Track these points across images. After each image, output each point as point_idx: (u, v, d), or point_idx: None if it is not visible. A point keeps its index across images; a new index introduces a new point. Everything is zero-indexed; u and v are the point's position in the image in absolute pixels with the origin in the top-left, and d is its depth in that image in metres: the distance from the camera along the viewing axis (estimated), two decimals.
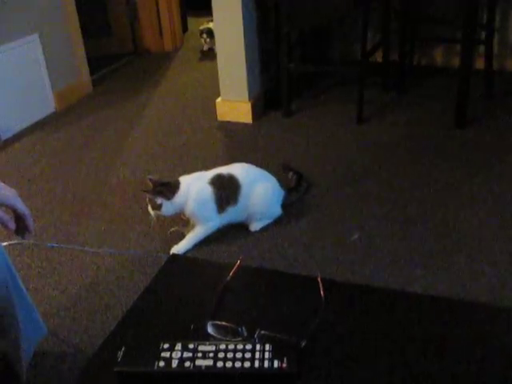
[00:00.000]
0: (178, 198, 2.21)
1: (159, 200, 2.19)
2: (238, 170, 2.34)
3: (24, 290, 1.53)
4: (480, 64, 3.50)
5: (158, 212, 2.22)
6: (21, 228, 1.22)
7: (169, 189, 2.20)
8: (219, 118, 3.53)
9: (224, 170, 2.33)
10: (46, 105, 3.79)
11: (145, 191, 2.22)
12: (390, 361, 0.92)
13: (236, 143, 3.25)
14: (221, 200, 2.27)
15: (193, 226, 2.38)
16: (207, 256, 2.27)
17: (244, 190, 2.30)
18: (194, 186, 2.25)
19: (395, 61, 3.68)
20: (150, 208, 2.23)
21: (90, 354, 1.01)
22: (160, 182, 2.22)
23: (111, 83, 4.40)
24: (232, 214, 2.32)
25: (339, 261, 2.19)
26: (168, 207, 2.21)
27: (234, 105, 3.46)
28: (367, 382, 0.88)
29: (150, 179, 2.22)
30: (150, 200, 2.21)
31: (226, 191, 2.28)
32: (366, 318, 1.01)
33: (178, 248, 2.31)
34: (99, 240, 2.43)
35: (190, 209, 2.25)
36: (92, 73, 4.27)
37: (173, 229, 2.42)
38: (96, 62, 4.44)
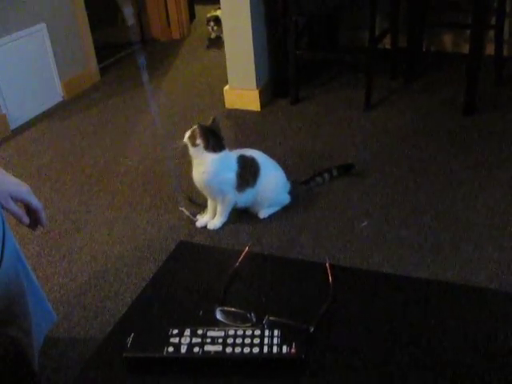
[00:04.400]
0: (210, 156, 2.21)
1: (199, 141, 2.19)
2: (257, 154, 2.35)
3: (34, 277, 1.54)
4: (490, 50, 3.47)
5: (188, 145, 2.22)
6: (33, 221, 1.26)
7: (215, 143, 2.22)
8: (227, 105, 3.52)
9: (245, 152, 2.34)
10: (54, 94, 3.80)
11: (200, 125, 2.21)
12: (398, 346, 0.92)
13: (244, 131, 3.24)
14: (242, 179, 2.29)
15: (203, 215, 2.39)
16: (216, 243, 2.27)
17: (262, 176, 2.31)
18: (225, 157, 2.26)
19: (404, 47, 3.65)
20: (186, 137, 2.23)
21: (100, 340, 1.02)
22: (216, 129, 2.24)
23: (119, 72, 4.39)
24: (248, 196, 2.34)
25: (348, 248, 2.19)
26: (198, 152, 2.22)
27: (242, 93, 3.46)
28: (376, 368, 0.89)
29: (214, 118, 2.26)
30: (195, 133, 2.21)
31: (248, 172, 2.30)
32: (374, 304, 1.01)
33: (214, 224, 2.36)
34: (108, 228, 2.44)
35: (211, 176, 2.25)
36: (100, 62, 4.27)
37: (182, 208, 2.42)
38: (103, 51, 4.44)
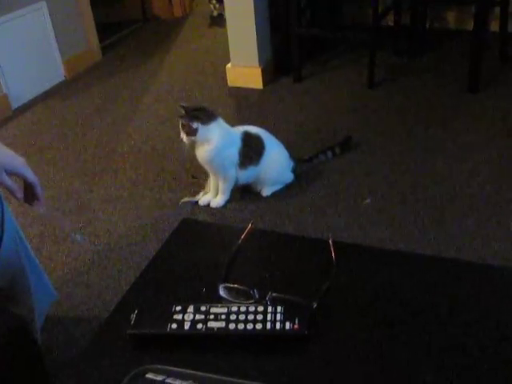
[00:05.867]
0: (213, 126, 2.19)
1: (195, 124, 2.16)
2: (262, 132, 2.34)
3: (34, 257, 1.54)
4: (495, 26, 3.44)
5: (192, 138, 2.18)
6: (30, 197, 1.23)
7: (206, 113, 2.19)
8: (230, 83, 3.50)
9: (250, 129, 2.32)
10: (56, 73, 3.78)
11: (181, 117, 2.18)
12: (400, 322, 0.92)
13: (246, 109, 3.23)
14: (244, 156, 2.28)
15: (205, 193, 2.39)
16: (218, 221, 2.28)
17: (266, 154, 2.31)
18: (227, 130, 2.25)
19: (407, 24, 3.62)
20: (183, 135, 2.19)
21: (104, 318, 1.02)
22: (194, 107, 2.19)
23: (120, 50, 4.37)
24: (250, 174, 2.33)
25: (351, 225, 2.19)
26: (204, 132, 2.18)
27: (245, 70, 3.43)
28: (378, 343, 0.89)
29: (183, 106, 2.19)
30: (185, 126, 2.17)
31: (252, 150, 2.29)
32: (377, 280, 1.01)
33: (217, 202, 2.36)
34: (111, 207, 2.44)
35: (215, 152, 2.22)
36: (101, 40, 4.24)
37: (184, 199, 2.41)
38: (105, 29, 4.41)
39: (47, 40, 3.67)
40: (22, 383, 1.28)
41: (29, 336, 1.37)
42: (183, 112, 2.18)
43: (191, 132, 2.17)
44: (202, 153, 2.26)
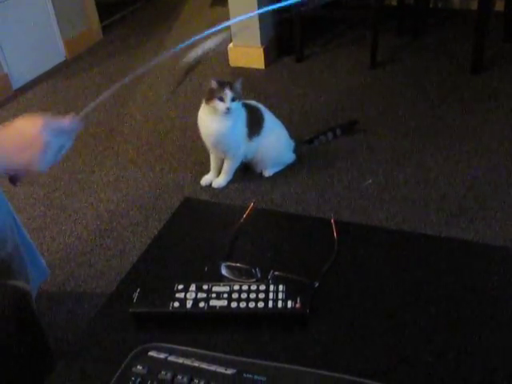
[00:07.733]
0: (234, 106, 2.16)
1: (227, 91, 2.15)
2: (260, 106, 2.33)
3: (26, 234, 1.55)
4: (499, 6, 3.41)
5: (237, 102, 2.16)
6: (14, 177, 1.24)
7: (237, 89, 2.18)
8: (231, 63, 3.48)
9: (247, 101, 2.30)
10: (57, 53, 3.76)
11: (227, 85, 2.16)
12: (402, 301, 0.92)
13: (248, 89, 3.20)
14: (251, 126, 2.26)
15: (215, 168, 2.39)
16: (220, 201, 2.27)
17: (266, 125, 2.30)
18: (238, 109, 2.22)
19: (410, 4, 3.59)
20: (227, 104, 2.13)
21: (106, 297, 1.03)
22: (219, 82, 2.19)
23: (121, 30, 4.33)
24: (254, 146, 2.31)
25: (352, 206, 2.18)
26: (223, 105, 2.14)
27: (246, 50, 3.41)
28: (379, 323, 0.89)
29: (218, 80, 2.20)
30: (232, 91, 2.14)
31: (255, 119, 2.28)
32: (378, 260, 1.01)
33: (219, 182, 2.35)
34: (113, 188, 2.44)
35: (231, 127, 2.20)
36: (102, 20, 4.21)
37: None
38: (106, 9, 4.36)
39: (48, 20, 3.64)
40: (25, 355, 1.29)
41: (29, 307, 1.38)
42: (219, 83, 2.17)
43: (237, 96, 2.15)
44: (218, 130, 2.21)
